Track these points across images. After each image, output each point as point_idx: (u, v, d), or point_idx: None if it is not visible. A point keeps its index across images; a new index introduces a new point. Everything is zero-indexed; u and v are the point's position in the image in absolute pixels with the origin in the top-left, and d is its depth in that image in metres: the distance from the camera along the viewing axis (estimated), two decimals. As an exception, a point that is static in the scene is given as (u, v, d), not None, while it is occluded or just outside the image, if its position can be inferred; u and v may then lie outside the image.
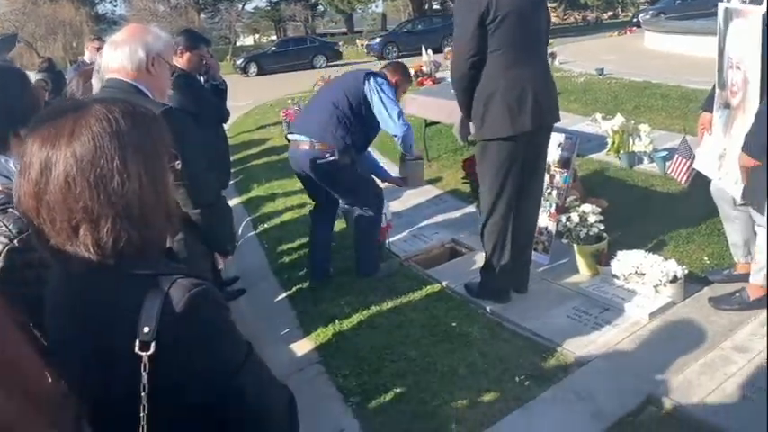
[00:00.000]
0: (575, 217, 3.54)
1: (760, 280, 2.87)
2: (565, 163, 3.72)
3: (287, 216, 5.52)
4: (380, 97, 3.61)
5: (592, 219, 3.52)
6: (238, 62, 26.24)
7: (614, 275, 3.31)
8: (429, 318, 3.30)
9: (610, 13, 38.44)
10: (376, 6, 44.16)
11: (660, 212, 4.18)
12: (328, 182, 3.70)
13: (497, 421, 2.45)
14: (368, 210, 3.79)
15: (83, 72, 3.19)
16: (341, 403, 2.73)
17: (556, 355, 2.84)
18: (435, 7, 37.30)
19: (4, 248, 1.40)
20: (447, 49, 17.03)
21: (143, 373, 0.93)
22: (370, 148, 4.14)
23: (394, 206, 5.02)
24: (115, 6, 43.00)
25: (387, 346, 3.08)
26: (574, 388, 2.59)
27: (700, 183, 3.49)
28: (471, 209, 4.81)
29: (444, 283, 3.69)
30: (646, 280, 3.15)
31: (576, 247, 3.56)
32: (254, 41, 45.45)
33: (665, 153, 4.84)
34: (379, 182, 4.07)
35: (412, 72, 11.94)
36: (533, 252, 3.51)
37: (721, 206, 3.12)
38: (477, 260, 3.74)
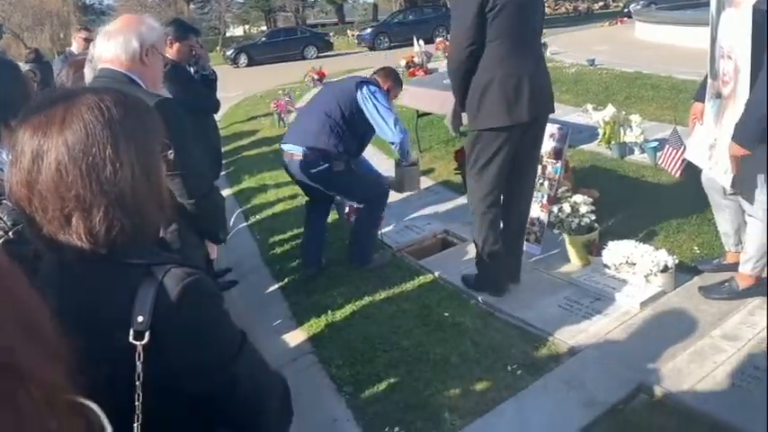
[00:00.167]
0: (566, 207, 3.56)
1: (749, 269, 2.90)
2: (556, 154, 3.73)
3: (278, 207, 5.51)
4: (375, 105, 3.64)
5: (583, 209, 3.54)
6: (228, 53, 26.06)
7: (605, 265, 3.33)
8: (421, 308, 3.31)
9: (601, 3, 38.31)
10: (367, -4, 44.05)
11: (651, 203, 4.20)
12: (325, 186, 3.77)
13: (490, 410, 2.46)
14: (370, 205, 3.83)
15: (73, 62, 3.15)
16: (334, 393, 2.74)
17: (547, 345, 2.86)
18: (427, -3, 37.16)
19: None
20: (438, 39, 16.95)
21: (138, 363, 0.92)
22: (366, 151, 4.14)
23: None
24: (103, -4, 42.62)
25: (380, 336, 3.09)
26: (565, 377, 2.61)
27: (690, 173, 3.51)
28: (463, 200, 4.80)
29: (437, 274, 3.70)
30: (636, 270, 3.17)
31: (567, 237, 3.58)
32: (244, 32, 45.03)
33: (655, 144, 4.86)
34: None
35: (403, 63, 12.08)
36: (525, 242, 3.53)
37: (712, 196, 3.13)
38: (470, 251, 3.76)
